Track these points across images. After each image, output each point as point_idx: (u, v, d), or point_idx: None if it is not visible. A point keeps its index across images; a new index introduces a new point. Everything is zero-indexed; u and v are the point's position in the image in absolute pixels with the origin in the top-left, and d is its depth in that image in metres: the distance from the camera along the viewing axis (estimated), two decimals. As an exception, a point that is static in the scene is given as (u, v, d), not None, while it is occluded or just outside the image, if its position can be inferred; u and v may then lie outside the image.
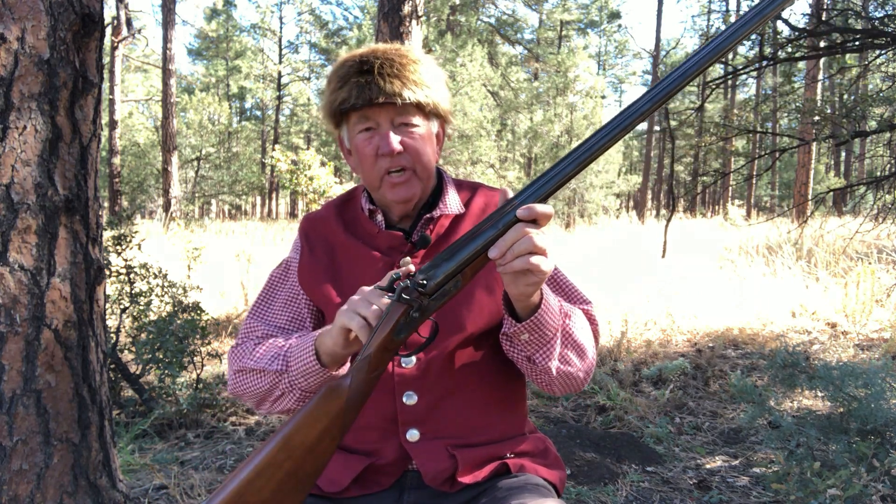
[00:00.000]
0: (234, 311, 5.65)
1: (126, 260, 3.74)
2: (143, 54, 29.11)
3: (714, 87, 5.05)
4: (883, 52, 4.41)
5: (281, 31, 35.49)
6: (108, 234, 3.66)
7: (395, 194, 1.23)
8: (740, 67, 4.46)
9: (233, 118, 32.71)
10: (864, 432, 2.17)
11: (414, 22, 5.13)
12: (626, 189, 23.29)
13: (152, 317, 3.75)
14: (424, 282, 0.98)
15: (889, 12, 4.38)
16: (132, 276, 3.77)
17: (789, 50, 4.21)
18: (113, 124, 17.53)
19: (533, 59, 29.81)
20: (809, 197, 11.08)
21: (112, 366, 3.37)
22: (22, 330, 1.89)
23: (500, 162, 20.51)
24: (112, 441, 2.20)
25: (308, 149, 10.61)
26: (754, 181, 22.86)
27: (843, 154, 30.03)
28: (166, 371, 3.39)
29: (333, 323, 1.06)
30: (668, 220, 4.49)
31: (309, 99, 34.85)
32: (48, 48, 1.89)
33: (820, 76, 7.95)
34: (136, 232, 3.76)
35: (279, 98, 33.78)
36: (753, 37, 4.23)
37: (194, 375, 3.72)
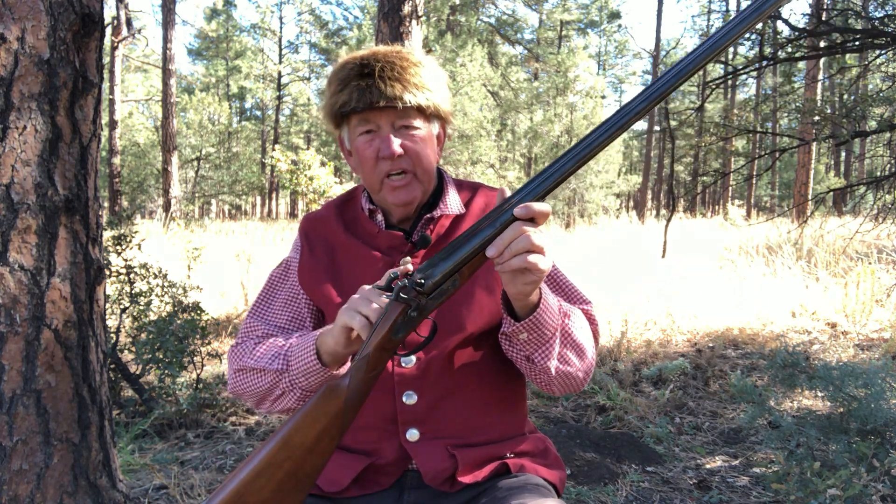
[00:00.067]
0: (234, 311, 5.65)
1: (126, 260, 3.74)
2: (143, 54, 29.12)
3: (714, 87, 5.05)
4: (883, 52, 4.40)
5: (281, 31, 35.50)
6: (108, 234, 3.66)
7: (396, 197, 1.23)
8: (740, 67, 4.46)
9: (233, 118, 32.71)
10: (864, 432, 2.17)
11: (414, 22, 5.13)
12: (626, 189, 23.29)
13: (152, 317, 3.75)
14: (422, 281, 0.98)
15: (889, 12, 4.38)
16: (132, 276, 3.77)
17: (789, 50, 4.21)
18: (113, 124, 17.53)
19: (533, 59, 29.80)
20: (809, 197, 11.07)
21: (112, 366, 3.37)
22: (22, 330, 1.89)
23: (500, 162, 20.51)
24: (112, 441, 2.20)
25: (308, 149, 10.61)
26: (754, 181, 22.85)
27: (843, 154, 30.03)
28: (166, 371, 3.39)
29: (335, 322, 1.06)
30: (668, 220, 4.48)
31: (309, 99, 34.85)
32: (48, 48, 1.89)
33: (820, 76, 7.94)
34: (136, 232, 3.77)
35: (279, 98, 33.78)
36: (753, 37, 4.22)
37: (194, 375, 3.72)
